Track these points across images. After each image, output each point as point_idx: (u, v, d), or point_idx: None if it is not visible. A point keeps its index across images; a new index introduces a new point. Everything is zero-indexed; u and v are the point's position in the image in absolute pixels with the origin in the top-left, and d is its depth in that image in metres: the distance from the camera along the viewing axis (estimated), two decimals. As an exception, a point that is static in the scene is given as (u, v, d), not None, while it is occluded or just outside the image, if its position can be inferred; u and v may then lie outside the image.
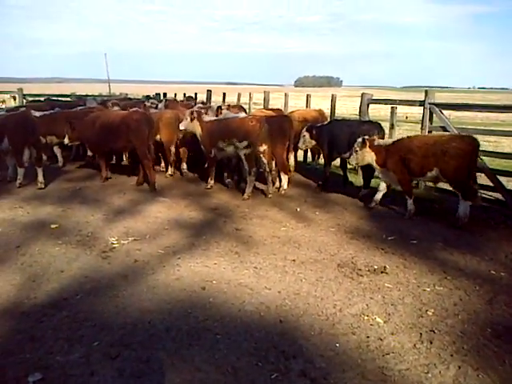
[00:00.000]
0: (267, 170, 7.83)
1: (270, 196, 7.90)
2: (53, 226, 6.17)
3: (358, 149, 7.02)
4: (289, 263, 5.08)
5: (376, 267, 4.97)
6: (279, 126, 8.16)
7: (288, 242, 5.74)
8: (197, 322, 3.78)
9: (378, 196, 7.25)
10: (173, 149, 9.21)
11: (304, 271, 4.86)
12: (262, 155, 7.70)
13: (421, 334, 3.67)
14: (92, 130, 8.72)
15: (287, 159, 8.43)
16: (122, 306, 4.04)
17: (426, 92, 7.95)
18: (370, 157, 7.00)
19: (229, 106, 10.86)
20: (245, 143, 7.68)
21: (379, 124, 7.74)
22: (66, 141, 9.18)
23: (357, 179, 9.11)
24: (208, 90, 15.84)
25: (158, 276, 4.69)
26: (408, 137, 6.98)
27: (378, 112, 20.25)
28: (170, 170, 9.49)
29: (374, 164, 7.03)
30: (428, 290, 4.47)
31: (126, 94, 19.94)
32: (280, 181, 8.39)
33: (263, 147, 7.66)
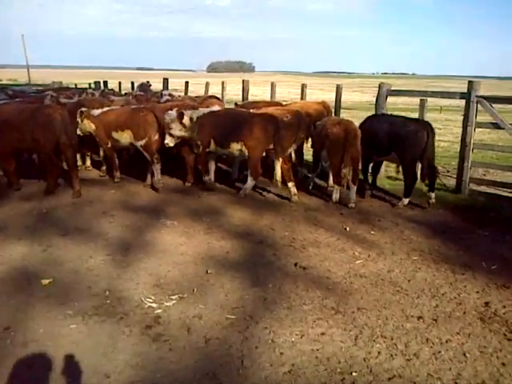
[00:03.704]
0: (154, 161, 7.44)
1: (147, 186, 7.61)
2: (44, 282, 4.24)
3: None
4: (417, 323, 3.70)
5: (533, 320, 3.75)
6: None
7: (383, 285, 4.36)
8: None
9: None
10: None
11: (450, 336, 3.51)
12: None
13: None
14: None
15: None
16: None
17: (471, 83, 6.86)
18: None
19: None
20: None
21: (429, 124, 6.50)
22: None
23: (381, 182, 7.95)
24: (164, 79, 13.76)
25: (260, 370, 3.09)
26: None
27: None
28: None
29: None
30: None
31: (61, 83, 16.93)
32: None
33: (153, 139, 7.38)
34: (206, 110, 7.43)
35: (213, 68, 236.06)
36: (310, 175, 7.91)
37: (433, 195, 6.68)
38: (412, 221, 6.26)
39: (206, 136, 7.13)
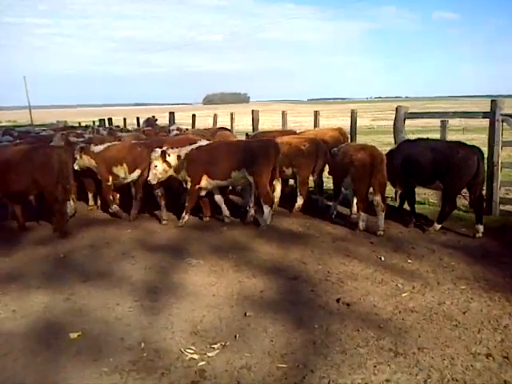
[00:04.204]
0: (159, 195, 7.44)
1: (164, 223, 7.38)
2: (73, 336, 3.90)
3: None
4: (487, 362, 3.37)
5: None
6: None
7: (438, 319, 4.03)
8: None
9: None
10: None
11: (532, 378, 3.17)
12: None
13: None
14: None
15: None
16: None
17: (494, 101, 6.68)
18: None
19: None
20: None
21: (479, 149, 6.17)
22: None
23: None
24: (170, 113, 13.66)
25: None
26: None
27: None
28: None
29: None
30: None
31: (65, 122, 16.83)
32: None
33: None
34: (194, 146, 7.18)
35: (208, 100, 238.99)
36: (330, 203, 7.66)
37: (481, 228, 6.18)
38: (448, 246, 5.97)
39: (197, 172, 6.97)
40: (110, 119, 16.53)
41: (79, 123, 19.18)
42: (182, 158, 7.01)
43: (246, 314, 4.20)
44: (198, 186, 7.04)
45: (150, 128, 11.33)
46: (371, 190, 6.53)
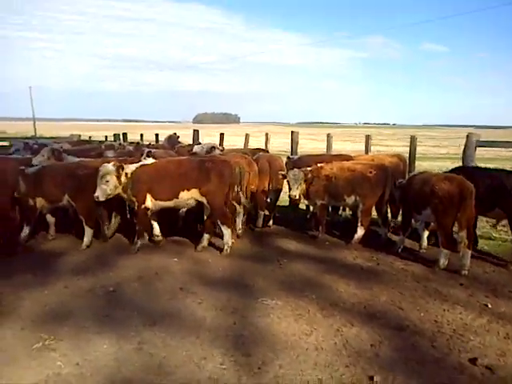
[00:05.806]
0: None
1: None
2: (168, 406, 3.06)
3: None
4: None
5: None
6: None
7: None
8: None
9: None
10: None
11: None
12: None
13: None
14: None
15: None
16: None
17: None
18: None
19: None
20: None
21: None
22: None
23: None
24: (195, 130, 12.88)
25: None
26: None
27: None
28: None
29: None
30: None
31: (79, 136, 15.83)
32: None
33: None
34: (139, 164, 6.61)
35: (198, 120, 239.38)
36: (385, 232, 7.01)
37: None
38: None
39: (141, 191, 6.36)
40: (124, 134, 15.66)
41: (89, 137, 18.35)
42: (129, 175, 6.37)
43: (372, 379, 3.41)
44: (143, 206, 6.42)
45: (182, 145, 10.59)
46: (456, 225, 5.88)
